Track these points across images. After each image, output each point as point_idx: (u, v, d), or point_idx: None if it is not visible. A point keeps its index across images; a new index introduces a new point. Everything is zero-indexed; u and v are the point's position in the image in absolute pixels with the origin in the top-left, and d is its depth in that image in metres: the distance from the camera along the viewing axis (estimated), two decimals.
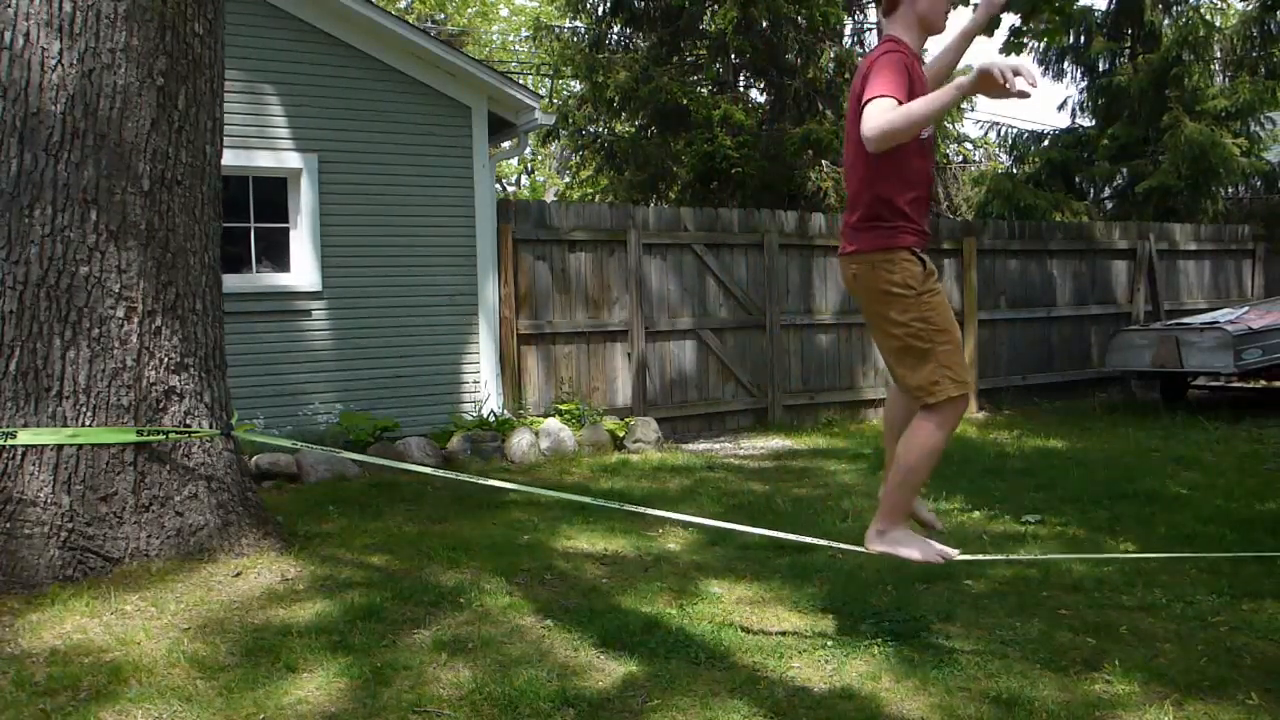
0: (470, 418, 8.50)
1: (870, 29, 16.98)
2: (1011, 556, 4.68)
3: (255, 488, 5.09)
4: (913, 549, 3.35)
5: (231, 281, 7.13)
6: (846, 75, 15.59)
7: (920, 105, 2.98)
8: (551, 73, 19.37)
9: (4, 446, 4.15)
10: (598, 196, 18.08)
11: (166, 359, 4.48)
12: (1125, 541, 5.02)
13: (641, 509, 4.58)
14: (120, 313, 4.36)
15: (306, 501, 6.20)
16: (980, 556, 4.55)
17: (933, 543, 3.40)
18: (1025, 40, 9.03)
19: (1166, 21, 15.73)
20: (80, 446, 4.24)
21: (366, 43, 8.35)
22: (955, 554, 3.40)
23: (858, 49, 16.71)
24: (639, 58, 14.60)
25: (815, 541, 4.24)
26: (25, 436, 4.17)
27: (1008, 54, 9.19)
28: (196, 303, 4.64)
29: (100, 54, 4.32)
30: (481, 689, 3.16)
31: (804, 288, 10.44)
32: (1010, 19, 9.11)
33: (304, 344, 8.13)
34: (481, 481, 4.50)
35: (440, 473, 4.99)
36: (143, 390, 4.40)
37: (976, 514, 5.79)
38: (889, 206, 3.24)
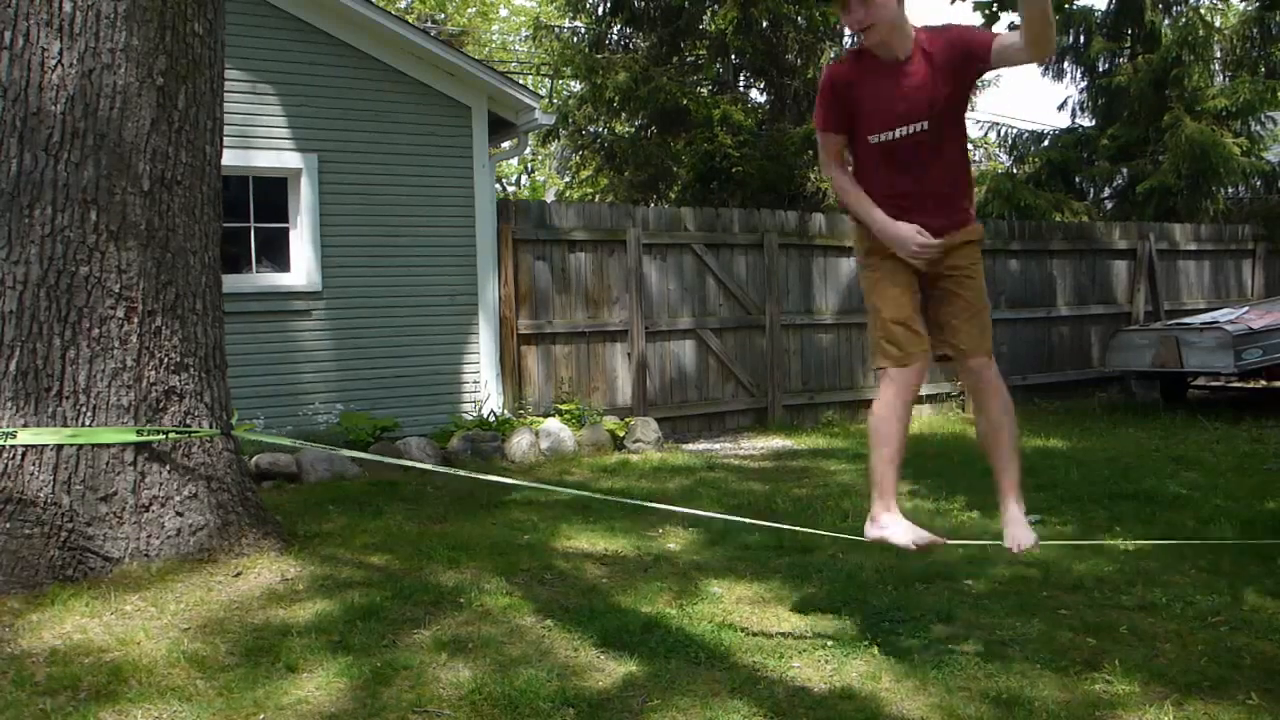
0: (470, 418, 8.50)
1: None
2: (999, 542, 4.66)
3: (255, 488, 5.08)
4: (900, 535, 3.39)
5: (231, 281, 7.13)
6: None
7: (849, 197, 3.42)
8: (551, 73, 19.36)
9: (4, 446, 4.15)
10: (598, 196, 18.08)
11: (166, 359, 4.48)
12: (1126, 541, 5.02)
13: (645, 503, 4.58)
14: (120, 313, 4.36)
15: (306, 501, 6.20)
16: (967, 542, 4.55)
17: (922, 531, 3.45)
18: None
19: (1166, 21, 15.73)
20: (80, 446, 4.23)
21: (366, 43, 8.35)
22: (942, 541, 3.48)
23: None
24: (639, 58, 14.60)
25: (815, 531, 4.25)
26: (25, 436, 4.16)
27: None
28: (196, 303, 4.64)
29: (100, 54, 4.32)
30: (481, 689, 3.16)
31: (804, 288, 10.44)
32: (1010, 16, 9.11)
33: (304, 344, 8.13)
34: (484, 478, 4.50)
35: (443, 470, 4.99)
36: (143, 390, 4.40)
37: (976, 514, 5.79)
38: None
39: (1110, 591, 4.21)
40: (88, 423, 4.27)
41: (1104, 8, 16.22)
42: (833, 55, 15.09)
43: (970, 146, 18.82)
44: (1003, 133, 18.04)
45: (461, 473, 5.33)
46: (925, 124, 3.26)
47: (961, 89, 3.34)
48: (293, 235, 8.21)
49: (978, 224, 3.52)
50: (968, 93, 3.43)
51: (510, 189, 27.45)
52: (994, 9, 8.83)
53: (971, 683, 3.23)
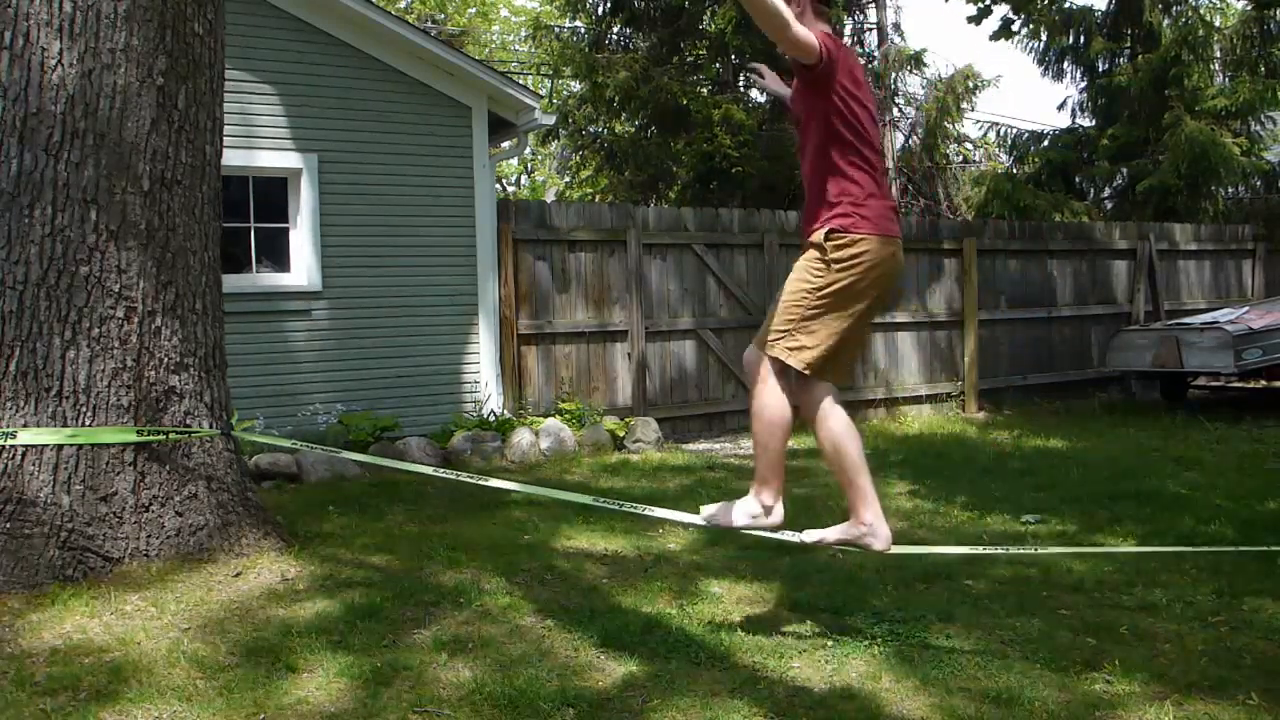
0: (471, 417, 8.50)
1: (870, 29, 16.99)
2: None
3: (255, 488, 5.08)
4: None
5: (231, 281, 7.13)
6: None
7: None
8: (551, 73, 19.36)
9: (4, 446, 4.15)
10: (598, 196, 18.08)
11: (166, 359, 4.48)
12: (1126, 542, 5.02)
13: (635, 507, 4.57)
14: (120, 313, 4.36)
15: (306, 501, 6.20)
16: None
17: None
18: (1015, 30, 9.05)
19: (1166, 21, 15.73)
20: (80, 446, 4.23)
21: (366, 43, 8.35)
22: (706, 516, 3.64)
23: (858, 49, 16.71)
24: (639, 58, 14.60)
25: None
26: (25, 436, 4.17)
27: (996, 38, 9.17)
28: (196, 303, 4.64)
29: (100, 54, 4.32)
30: (481, 689, 3.16)
31: None
32: (1003, 10, 9.10)
33: (304, 344, 8.13)
34: (477, 481, 4.49)
35: (440, 472, 4.98)
36: (143, 390, 4.40)
37: (975, 513, 5.79)
38: None
39: (1110, 591, 4.21)
40: (88, 423, 4.27)
41: (1104, 8, 16.23)
42: None
43: (970, 146, 18.71)
44: (1003, 133, 18.06)
45: (447, 473, 5.33)
46: (797, 132, 3.54)
47: (813, 96, 3.36)
48: (293, 235, 8.21)
49: (823, 232, 3.42)
50: (822, 98, 3.34)
51: (510, 189, 27.45)
52: (987, 3, 8.81)
53: (971, 683, 3.23)
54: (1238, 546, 4.77)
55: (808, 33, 3.22)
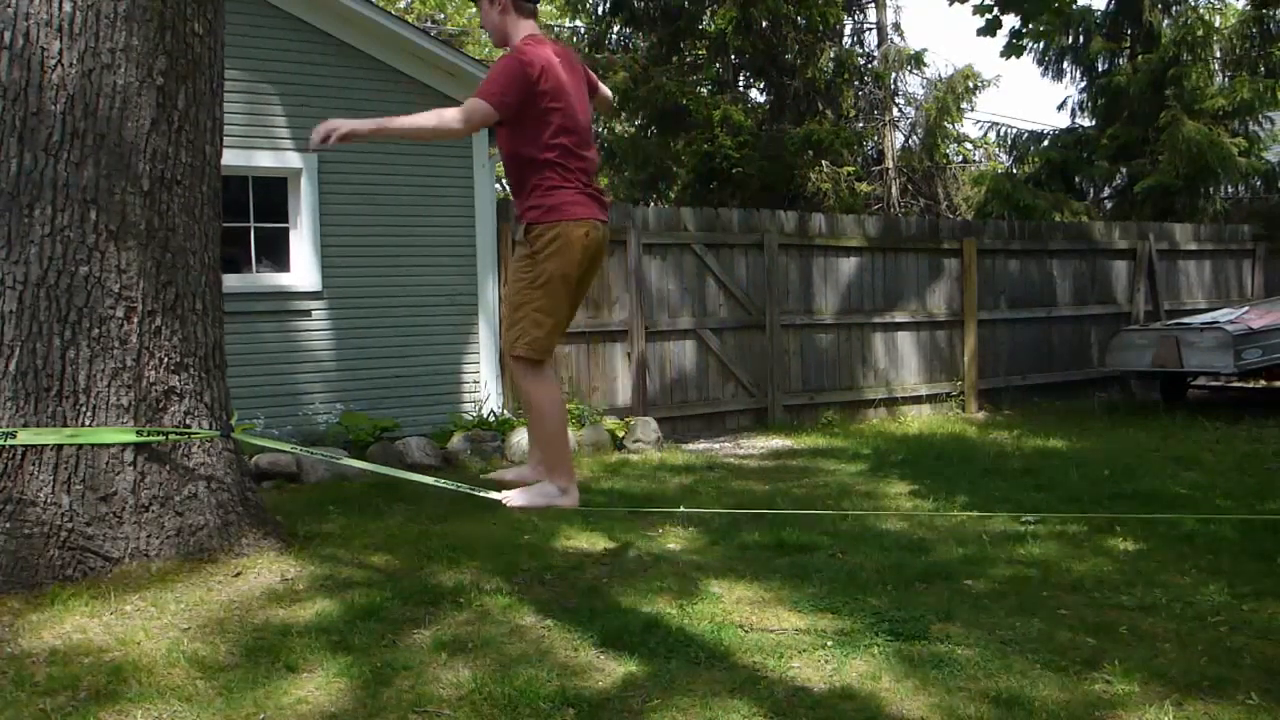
0: (470, 417, 8.50)
1: (870, 28, 16.99)
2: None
3: (255, 487, 5.08)
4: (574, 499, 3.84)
5: (231, 281, 7.12)
6: (846, 75, 15.58)
7: None
8: None
9: (4, 446, 4.15)
10: None
11: (166, 359, 4.48)
12: (1125, 541, 5.03)
13: (461, 486, 4.57)
14: (120, 313, 4.36)
15: (306, 501, 6.20)
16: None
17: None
18: (1024, 43, 9.04)
19: (1166, 21, 15.74)
20: (80, 446, 4.23)
21: (366, 43, 8.34)
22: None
23: (858, 49, 16.72)
24: (638, 58, 14.62)
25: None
26: (25, 436, 4.16)
27: (1007, 57, 9.16)
28: (196, 303, 4.64)
29: (100, 54, 4.32)
30: (481, 689, 3.16)
31: (804, 288, 10.44)
32: (1011, 21, 9.10)
33: (304, 344, 8.12)
34: (465, 489, 4.47)
35: (434, 480, 4.96)
36: (143, 390, 4.40)
37: (976, 513, 5.79)
38: None
39: (1110, 591, 4.21)
40: (88, 423, 4.27)
41: (1103, 8, 16.24)
42: (832, 55, 15.10)
43: (970, 146, 18.74)
44: (1002, 133, 18.06)
45: (444, 483, 5.34)
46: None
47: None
48: (293, 235, 8.21)
49: (521, 229, 3.71)
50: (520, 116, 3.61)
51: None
52: (994, 13, 8.81)
53: (971, 683, 3.23)
54: (1236, 554, 4.78)
55: (476, 109, 3.50)
